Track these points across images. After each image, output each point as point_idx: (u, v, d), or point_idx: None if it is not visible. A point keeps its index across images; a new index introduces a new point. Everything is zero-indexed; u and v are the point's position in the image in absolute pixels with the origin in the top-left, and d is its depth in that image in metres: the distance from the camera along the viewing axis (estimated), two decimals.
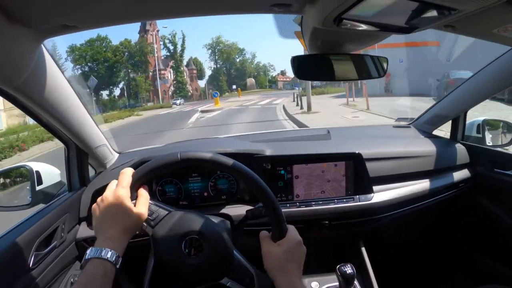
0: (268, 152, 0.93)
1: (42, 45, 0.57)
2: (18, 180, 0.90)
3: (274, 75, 59.79)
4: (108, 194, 0.53)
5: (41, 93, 0.62)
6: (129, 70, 42.50)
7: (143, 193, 0.56)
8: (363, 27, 0.47)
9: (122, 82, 44.58)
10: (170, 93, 44.08)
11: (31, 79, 0.58)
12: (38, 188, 0.84)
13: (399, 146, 1.05)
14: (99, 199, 0.55)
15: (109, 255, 0.47)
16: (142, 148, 1.14)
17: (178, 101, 32.35)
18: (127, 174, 0.56)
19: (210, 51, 53.71)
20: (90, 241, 0.83)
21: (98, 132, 0.85)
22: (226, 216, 0.79)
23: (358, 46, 0.66)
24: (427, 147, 1.07)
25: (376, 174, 0.95)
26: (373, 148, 1.00)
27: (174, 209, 0.61)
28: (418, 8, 0.40)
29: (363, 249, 0.97)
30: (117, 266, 0.48)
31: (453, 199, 1.06)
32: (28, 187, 0.88)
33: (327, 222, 0.90)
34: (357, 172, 0.91)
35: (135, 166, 0.81)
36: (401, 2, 0.38)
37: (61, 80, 0.67)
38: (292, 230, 0.58)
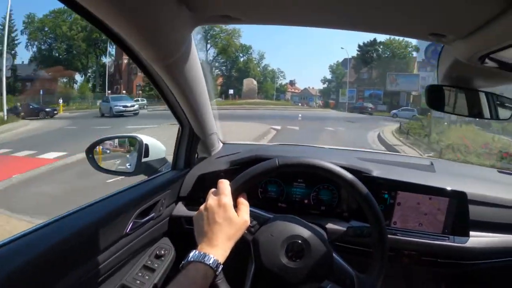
0: (376, 173, 1.11)
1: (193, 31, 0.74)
2: (124, 149, 1.27)
3: (283, 84, 57.69)
4: (212, 203, 0.69)
5: (182, 75, 0.85)
6: (96, 54, 41.99)
7: (244, 201, 0.73)
8: (506, 68, 0.60)
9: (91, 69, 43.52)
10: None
11: (179, 61, 0.78)
12: (143, 159, 1.20)
13: (505, 193, 1.15)
14: (202, 207, 0.71)
15: (211, 261, 0.62)
16: (246, 142, 1.47)
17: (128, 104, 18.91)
18: (227, 182, 0.73)
19: (199, 36, 48.65)
20: (183, 220, 1.14)
21: (213, 120, 1.18)
22: (322, 227, 0.93)
23: (489, 84, 0.82)
24: None
25: (475, 218, 1.07)
26: (478, 190, 1.12)
27: (273, 215, 0.81)
28: None
29: None
30: (217, 273, 0.63)
31: None
32: (128, 156, 1.26)
33: (415, 252, 1.06)
34: (459, 212, 1.04)
35: (242, 162, 1.17)
36: None
37: (198, 66, 0.91)
38: None
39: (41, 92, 38.12)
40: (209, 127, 1.19)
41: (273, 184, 1.16)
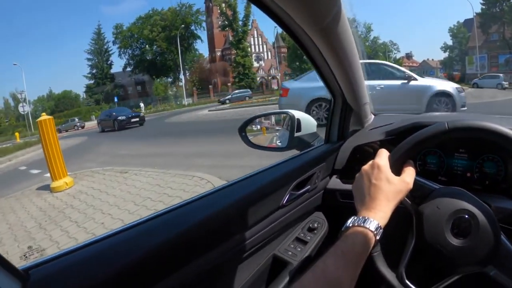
0: None
1: None
2: (280, 126, 1.45)
3: (397, 58, 53.94)
4: (366, 167, 0.76)
5: (336, 39, 0.89)
6: (178, 51, 45.21)
7: (410, 167, 0.77)
8: None
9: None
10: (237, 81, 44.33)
11: (332, 24, 0.82)
12: (296, 134, 1.34)
13: None
14: (358, 174, 0.78)
15: (371, 224, 0.65)
16: (399, 113, 1.50)
17: None
18: (384, 150, 0.79)
19: None
20: (338, 194, 1.22)
21: (365, 89, 1.24)
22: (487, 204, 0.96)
23: None
24: None
25: None
26: None
27: (439, 186, 0.80)
28: None
29: None
30: (377, 237, 0.66)
31: None
32: (277, 133, 1.41)
33: None
34: None
35: (399, 132, 1.17)
36: None
37: (349, 32, 0.93)
38: None
39: (116, 100, 43.64)
40: (362, 96, 1.24)
41: (432, 155, 1.15)
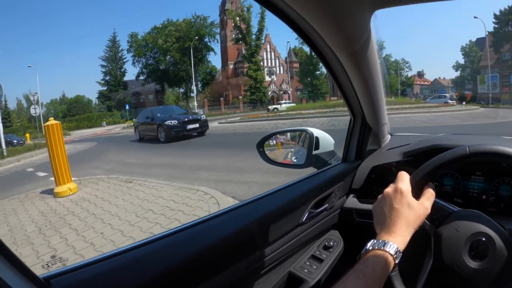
0: None
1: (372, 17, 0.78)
2: (295, 143, 1.46)
3: (409, 76, 56.12)
4: (389, 190, 0.77)
5: (365, 63, 0.92)
6: (191, 62, 45.93)
7: (430, 190, 0.79)
8: None
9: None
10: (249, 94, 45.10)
11: (363, 48, 0.84)
12: (314, 152, 1.35)
13: None
14: (380, 196, 0.79)
15: (390, 248, 0.67)
16: (414, 134, 1.51)
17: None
18: (405, 173, 0.80)
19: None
20: (355, 213, 1.23)
21: (385, 110, 1.25)
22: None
23: None
24: None
25: None
26: None
27: (458, 208, 0.81)
28: None
29: None
30: (396, 261, 0.67)
31: None
32: (293, 149, 1.43)
33: None
34: None
35: (417, 153, 1.16)
36: None
37: (376, 57, 0.96)
38: None
39: (127, 107, 44.05)
40: (382, 117, 1.26)
41: (449, 177, 1.16)
